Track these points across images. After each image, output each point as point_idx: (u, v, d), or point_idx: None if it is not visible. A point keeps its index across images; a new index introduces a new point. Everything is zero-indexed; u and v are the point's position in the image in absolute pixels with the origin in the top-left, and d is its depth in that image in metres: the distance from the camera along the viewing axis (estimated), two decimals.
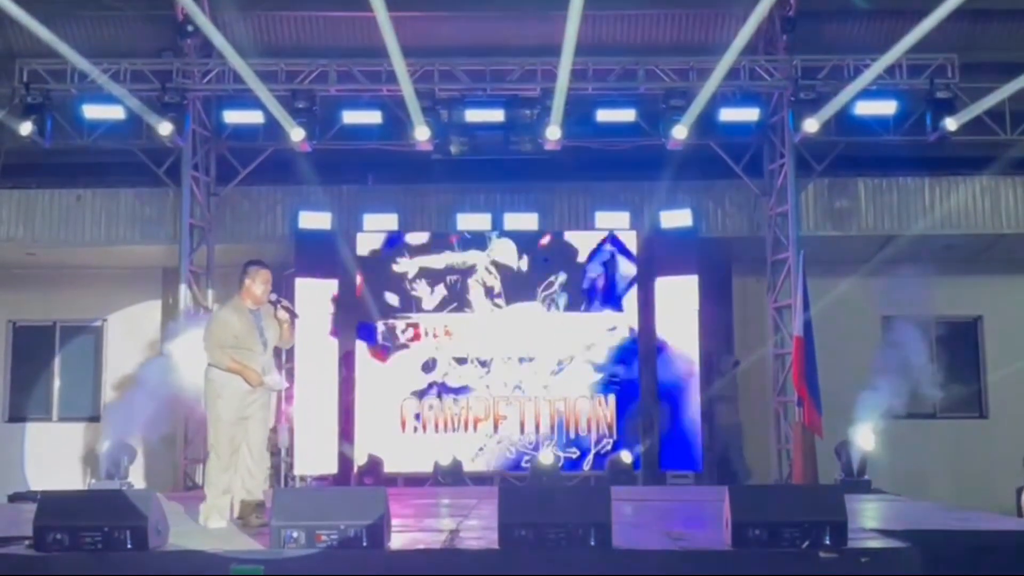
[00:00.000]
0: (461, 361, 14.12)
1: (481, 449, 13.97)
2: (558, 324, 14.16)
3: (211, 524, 7.92)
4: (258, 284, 8.22)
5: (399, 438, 13.95)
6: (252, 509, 8.05)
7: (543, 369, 14.10)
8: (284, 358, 13.04)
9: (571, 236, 14.36)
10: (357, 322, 14.15)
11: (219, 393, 8.09)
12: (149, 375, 12.52)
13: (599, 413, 14.00)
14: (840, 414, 12.67)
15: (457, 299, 14.20)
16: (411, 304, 14.18)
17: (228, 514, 8.05)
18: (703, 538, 7.19)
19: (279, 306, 8.26)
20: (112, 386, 15.40)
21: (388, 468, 13.71)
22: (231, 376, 8.06)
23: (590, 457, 13.94)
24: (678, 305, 14.11)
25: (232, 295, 8.60)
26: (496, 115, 13.75)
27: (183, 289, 13.95)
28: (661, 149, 13.85)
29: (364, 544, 6.36)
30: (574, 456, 13.91)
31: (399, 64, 11.63)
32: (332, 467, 13.89)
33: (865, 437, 12.48)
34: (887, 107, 13.73)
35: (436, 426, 14.00)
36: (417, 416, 14.00)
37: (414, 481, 13.62)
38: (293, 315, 8.36)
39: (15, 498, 11.86)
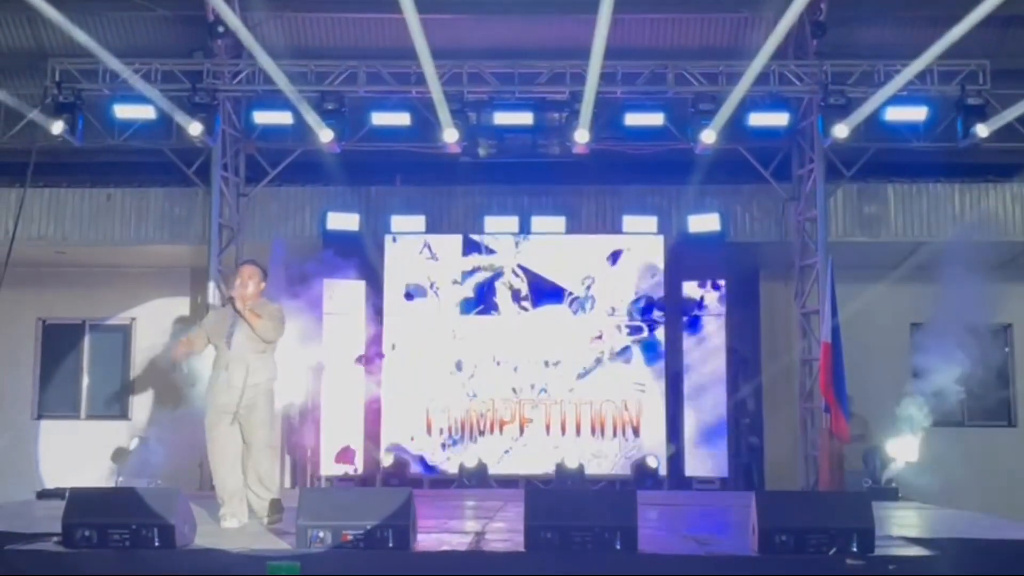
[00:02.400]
0: (487, 364, 14.12)
1: (507, 452, 13.97)
2: (585, 327, 14.15)
3: (223, 524, 7.94)
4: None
5: (425, 440, 13.97)
6: (266, 508, 8.09)
7: (569, 372, 14.08)
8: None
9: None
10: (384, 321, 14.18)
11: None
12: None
13: (625, 417, 13.97)
14: (868, 421, 12.59)
15: (484, 302, 14.20)
16: (438, 306, 14.21)
17: (244, 514, 8.07)
18: (729, 543, 7.18)
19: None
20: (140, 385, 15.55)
21: (413, 469, 13.74)
22: (210, 378, 8.23)
23: (616, 461, 13.93)
24: (704, 310, 14.09)
25: None
26: (524, 118, 13.77)
27: (211, 288, 14.00)
28: (689, 153, 13.82)
29: (390, 545, 6.38)
30: (599, 460, 13.88)
31: (428, 66, 11.63)
32: (358, 468, 13.90)
33: (898, 448, 12.36)
34: (918, 113, 13.62)
35: (462, 428, 14.02)
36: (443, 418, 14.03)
37: (439, 483, 13.65)
38: (230, 300, 8.19)
39: (43, 495, 11.93)
